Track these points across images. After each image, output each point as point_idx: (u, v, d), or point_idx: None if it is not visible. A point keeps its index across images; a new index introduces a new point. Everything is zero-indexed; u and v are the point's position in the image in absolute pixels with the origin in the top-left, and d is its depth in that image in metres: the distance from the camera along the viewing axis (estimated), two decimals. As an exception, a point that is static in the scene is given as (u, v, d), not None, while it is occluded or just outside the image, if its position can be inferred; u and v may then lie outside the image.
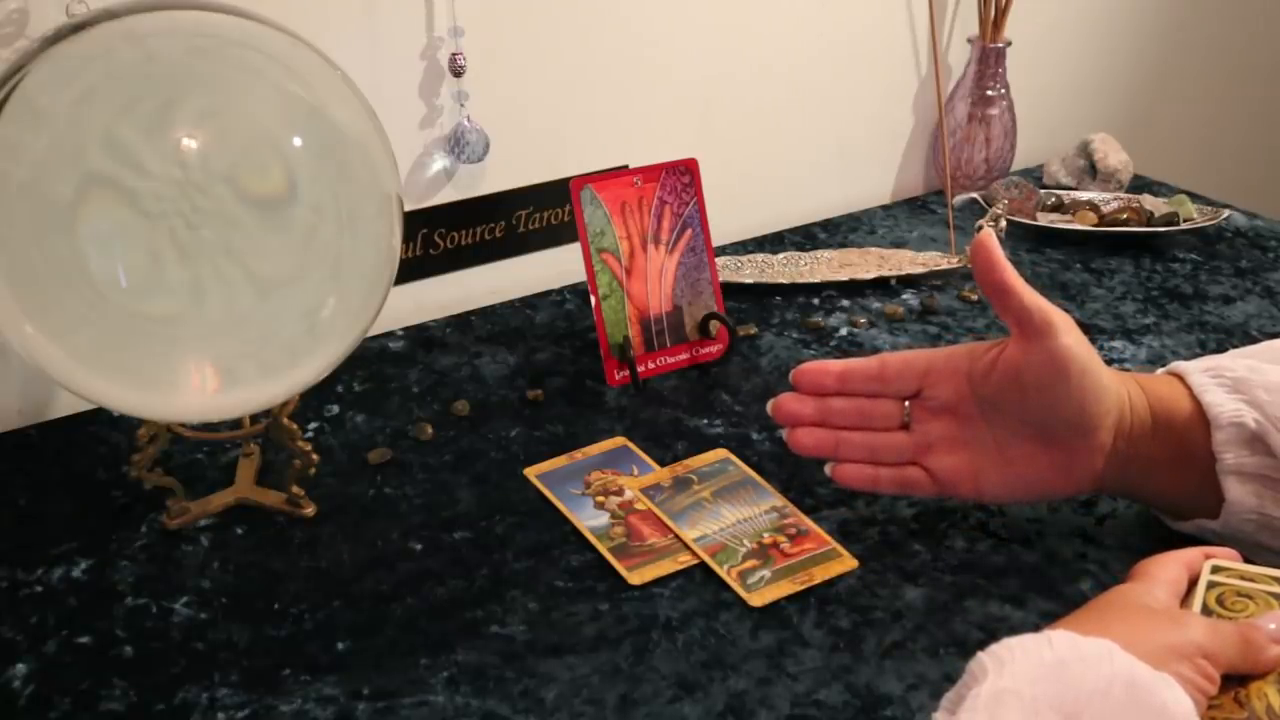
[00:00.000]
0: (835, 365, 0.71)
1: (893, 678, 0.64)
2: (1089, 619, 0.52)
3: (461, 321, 1.01)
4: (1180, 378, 0.68)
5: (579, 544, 0.74)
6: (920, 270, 1.08)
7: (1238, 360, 0.67)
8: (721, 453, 0.82)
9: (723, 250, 1.13)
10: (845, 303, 1.04)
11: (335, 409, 0.88)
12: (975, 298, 1.05)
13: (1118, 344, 0.97)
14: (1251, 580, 0.55)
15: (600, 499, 0.78)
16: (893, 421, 0.71)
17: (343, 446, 0.84)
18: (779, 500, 0.77)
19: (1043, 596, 0.69)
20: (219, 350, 0.64)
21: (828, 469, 0.72)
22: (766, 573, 0.71)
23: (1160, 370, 0.71)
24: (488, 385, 0.92)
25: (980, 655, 0.48)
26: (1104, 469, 0.68)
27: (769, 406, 0.72)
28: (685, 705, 0.62)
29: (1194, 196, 1.22)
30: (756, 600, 0.69)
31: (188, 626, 0.68)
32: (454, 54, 0.94)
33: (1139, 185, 1.29)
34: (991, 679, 0.46)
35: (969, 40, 1.22)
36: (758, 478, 0.80)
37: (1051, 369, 0.65)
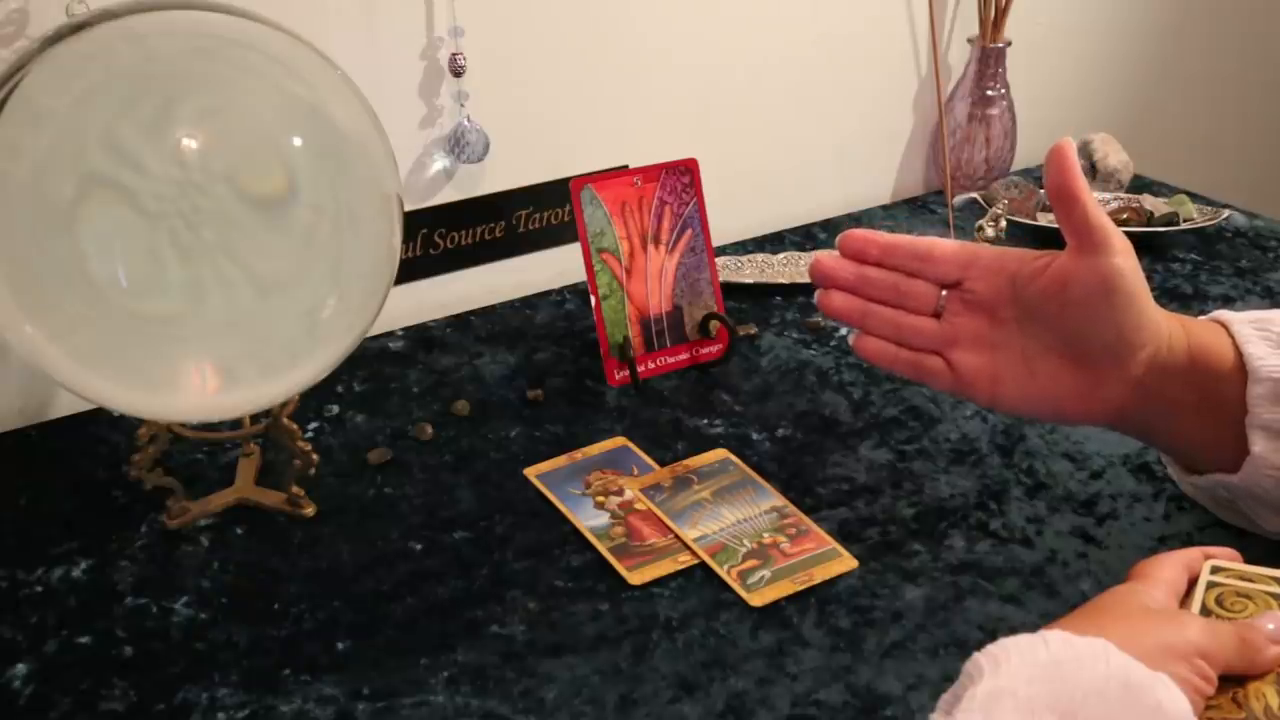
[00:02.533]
0: (884, 236, 0.68)
1: (893, 678, 0.64)
2: (1086, 619, 0.52)
3: (461, 321, 1.01)
4: (1225, 325, 0.66)
5: (579, 544, 0.74)
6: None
7: None
8: (721, 453, 0.82)
9: (723, 250, 1.13)
10: (845, 303, 1.04)
11: (335, 409, 0.88)
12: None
13: (1118, 344, 0.97)
14: (1251, 580, 0.55)
15: (600, 499, 0.78)
16: (926, 306, 0.68)
17: (343, 446, 0.84)
18: (779, 500, 0.77)
19: (1043, 596, 0.69)
20: (219, 350, 0.64)
21: (851, 339, 0.70)
22: (766, 573, 0.71)
23: (1205, 316, 0.69)
24: (488, 385, 0.92)
25: (976, 655, 0.48)
26: (1127, 402, 0.65)
27: (809, 267, 0.69)
28: (685, 705, 0.62)
29: (1194, 196, 1.22)
30: (756, 600, 0.69)
31: (188, 626, 0.68)
32: (454, 54, 0.94)
33: (1139, 185, 1.29)
34: (987, 679, 0.46)
35: (969, 40, 1.22)
36: (758, 478, 0.80)
37: (1099, 286, 0.63)
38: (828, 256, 0.69)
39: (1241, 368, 0.64)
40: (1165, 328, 0.65)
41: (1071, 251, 0.64)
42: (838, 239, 0.69)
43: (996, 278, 0.66)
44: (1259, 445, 0.63)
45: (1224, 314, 0.67)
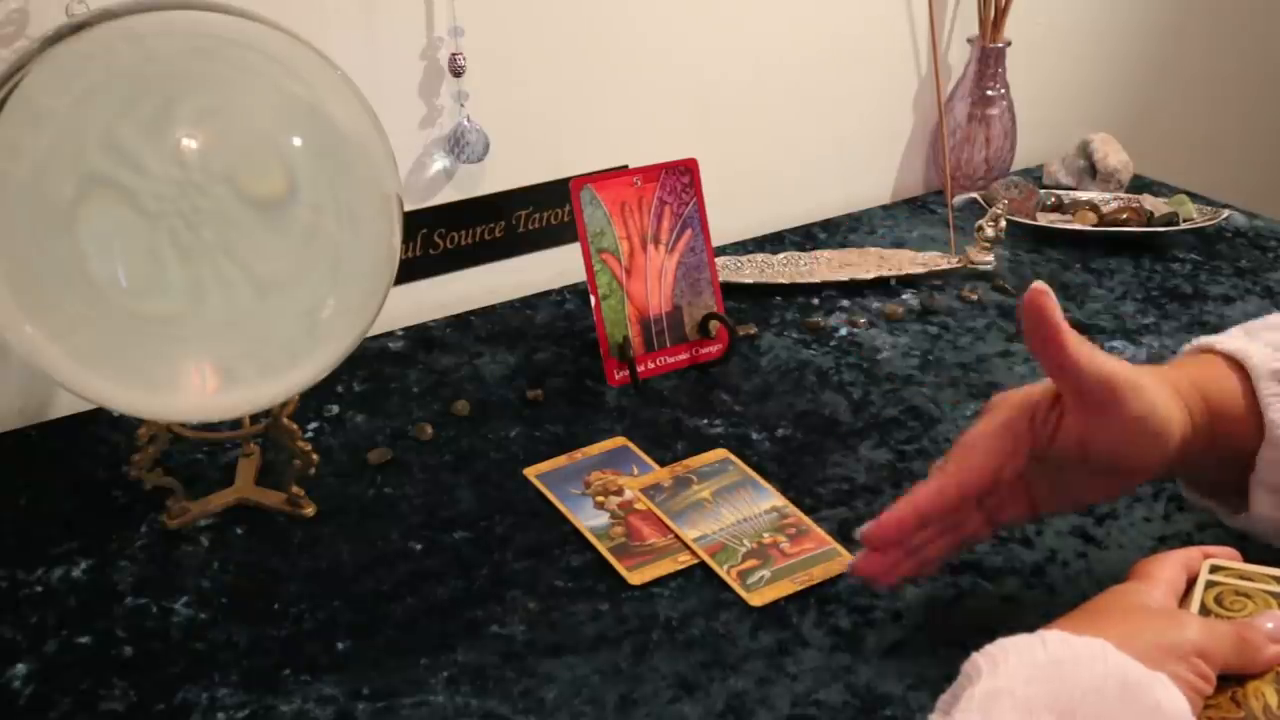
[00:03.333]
0: (907, 513, 0.63)
1: (893, 678, 0.64)
2: (1085, 619, 0.52)
3: (461, 321, 1.01)
4: (1245, 373, 0.63)
5: (579, 544, 0.74)
6: (920, 270, 1.08)
7: None
8: (721, 453, 0.82)
9: (723, 250, 1.13)
10: (845, 303, 1.04)
11: (335, 409, 0.88)
12: (975, 297, 1.05)
13: (1118, 344, 0.97)
14: (1250, 580, 0.55)
15: (600, 499, 0.78)
16: (968, 512, 0.65)
17: (343, 446, 0.84)
18: (779, 500, 0.77)
19: (1043, 596, 0.69)
20: (219, 350, 0.64)
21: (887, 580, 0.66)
22: (766, 573, 0.71)
23: (1225, 344, 0.65)
24: (488, 385, 0.92)
25: (974, 656, 0.48)
26: (1162, 474, 0.65)
27: (849, 567, 0.65)
28: (685, 705, 0.62)
29: (1194, 196, 1.22)
30: (756, 600, 0.69)
31: (188, 626, 0.68)
32: (454, 54, 0.94)
33: (1139, 185, 1.29)
34: (985, 679, 0.46)
35: (969, 40, 1.22)
36: (758, 478, 0.80)
37: (1118, 439, 0.60)
38: (868, 560, 0.64)
39: (1259, 426, 0.62)
40: (1186, 420, 0.62)
41: (1076, 409, 0.61)
42: (861, 536, 0.64)
43: (1017, 461, 0.63)
44: (1260, 504, 0.64)
45: (1248, 356, 0.64)
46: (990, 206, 1.13)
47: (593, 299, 0.90)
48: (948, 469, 0.63)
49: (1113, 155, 1.26)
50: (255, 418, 0.78)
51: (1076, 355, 0.58)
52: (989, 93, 1.22)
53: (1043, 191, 1.21)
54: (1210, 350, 0.65)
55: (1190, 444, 0.62)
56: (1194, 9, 1.47)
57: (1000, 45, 1.20)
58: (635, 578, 0.71)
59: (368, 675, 0.64)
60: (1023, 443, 0.63)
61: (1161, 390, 0.61)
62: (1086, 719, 0.45)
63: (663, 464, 0.81)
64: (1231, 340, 0.65)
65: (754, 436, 0.85)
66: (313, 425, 0.86)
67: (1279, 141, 1.70)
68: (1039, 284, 0.59)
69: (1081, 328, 0.99)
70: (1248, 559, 0.58)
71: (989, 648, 0.48)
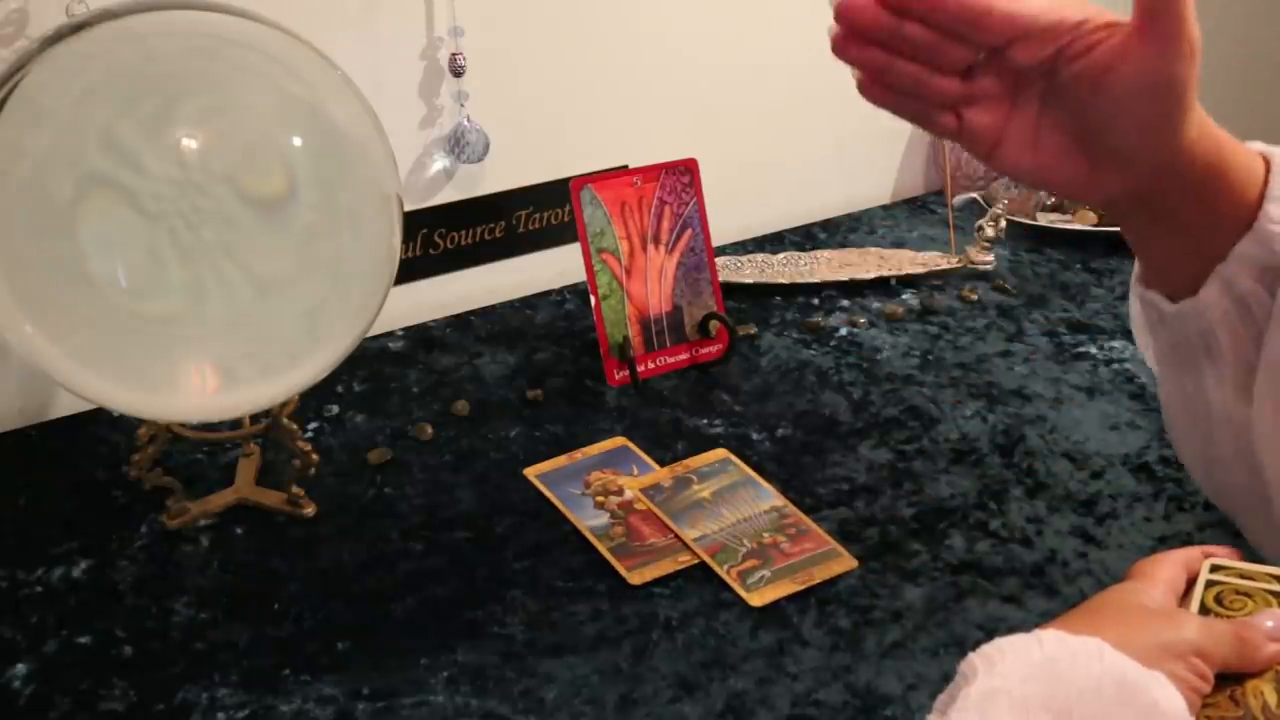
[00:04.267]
0: None
1: (893, 678, 0.64)
2: (1082, 618, 0.52)
3: (461, 321, 1.01)
4: (1266, 161, 0.59)
5: (579, 544, 0.74)
6: (920, 270, 1.08)
7: None
8: (721, 453, 0.82)
9: (723, 250, 1.13)
10: (845, 303, 1.04)
11: (335, 409, 0.88)
12: (975, 297, 1.05)
13: (1117, 344, 0.97)
14: (1251, 579, 0.55)
15: (600, 499, 0.78)
16: (956, 67, 0.58)
17: (343, 446, 0.84)
18: (779, 500, 0.77)
19: (1043, 596, 0.69)
20: (219, 350, 0.64)
21: (856, 79, 0.60)
22: (766, 573, 0.71)
23: (1263, 146, 0.60)
24: (488, 385, 0.92)
25: (971, 655, 0.48)
26: (1117, 198, 0.60)
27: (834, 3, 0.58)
28: (685, 705, 0.62)
29: (1194, 196, 1.22)
30: (756, 600, 0.69)
31: (188, 626, 0.68)
32: (454, 54, 0.95)
33: (1139, 185, 1.29)
34: (982, 678, 0.46)
35: (969, 40, 1.22)
36: (758, 478, 0.80)
37: (1137, 89, 0.55)
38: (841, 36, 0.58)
39: (1248, 212, 0.58)
40: (1189, 146, 0.56)
41: (1133, 32, 0.54)
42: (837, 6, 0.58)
43: (1043, 48, 0.56)
44: (1209, 293, 0.59)
45: (1274, 155, 0.59)
46: (990, 206, 1.13)
47: (593, 299, 0.90)
48: None
49: (1113, 155, 1.26)
50: (255, 418, 0.78)
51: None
52: (989, 93, 1.22)
53: (1043, 191, 1.21)
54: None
55: (1172, 184, 0.58)
56: (1193, 9, 1.47)
57: (1000, 45, 1.20)
58: (635, 578, 0.71)
59: (368, 675, 0.64)
60: (1064, 29, 0.55)
61: (1195, 105, 0.55)
62: (1083, 718, 0.45)
63: (663, 464, 0.81)
64: (1275, 148, 0.60)
65: (754, 436, 0.85)
66: (313, 425, 0.86)
67: (1279, 141, 1.70)
68: None
69: (1081, 327, 0.99)
70: (1248, 558, 0.58)
71: (985, 647, 0.48)
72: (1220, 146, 0.58)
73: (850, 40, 0.59)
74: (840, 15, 0.58)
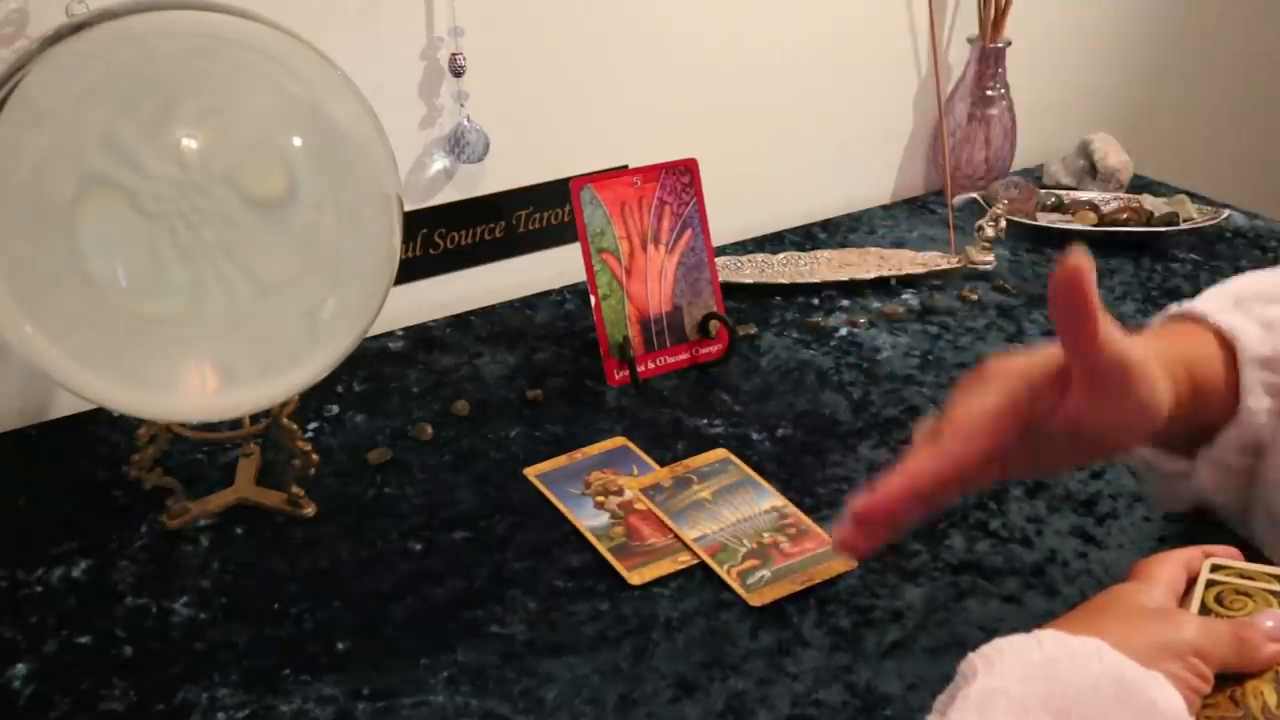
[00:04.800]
0: (904, 487, 0.57)
1: (893, 678, 0.64)
2: (1081, 618, 0.52)
3: (461, 321, 1.01)
4: (1233, 352, 0.61)
5: (579, 544, 0.74)
6: (920, 270, 1.08)
7: None
8: (721, 453, 0.82)
9: (723, 250, 1.13)
10: (845, 303, 1.04)
11: (335, 409, 0.88)
12: (975, 297, 1.05)
13: (1118, 344, 0.97)
14: (1251, 579, 0.55)
15: (600, 499, 0.78)
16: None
17: (343, 446, 0.84)
18: (779, 500, 0.77)
19: (1043, 596, 0.69)
20: (219, 350, 0.64)
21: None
22: (766, 573, 0.71)
23: (1217, 318, 0.63)
24: (488, 385, 0.92)
25: (970, 655, 0.48)
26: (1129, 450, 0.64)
27: (834, 539, 0.59)
28: (685, 705, 0.62)
29: (1194, 196, 1.22)
30: (756, 600, 0.69)
31: (188, 626, 0.68)
32: (454, 54, 0.95)
33: (1139, 185, 1.29)
34: (981, 679, 0.46)
35: (969, 40, 1.22)
36: (758, 478, 0.80)
37: (1116, 420, 0.57)
38: (853, 535, 0.58)
39: (1233, 407, 0.61)
40: (1171, 404, 0.59)
41: (1083, 389, 0.57)
42: (855, 514, 0.57)
43: (1007, 435, 0.59)
44: (1202, 479, 0.63)
45: (1241, 339, 0.62)
46: (990, 206, 1.13)
47: (593, 299, 0.90)
48: (946, 446, 0.58)
49: (1113, 155, 1.26)
50: (255, 418, 0.78)
51: (1106, 338, 0.54)
52: (989, 93, 1.22)
53: (1043, 191, 1.21)
54: (1197, 320, 0.63)
55: (1173, 422, 0.60)
56: (1194, 9, 1.47)
57: (1000, 45, 1.20)
58: (635, 578, 0.71)
59: (368, 675, 0.64)
60: (1020, 417, 0.58)
61: (1159, 375, 0.58)
62: (1082, 718, 0.45)
63: (663, 464, 0.81)
64: (1223, 314, 0.63)
65: (754, 436, 0.85)
66: (313, 425, 0.86)
67: (1279, 142, 1.70)
68: (1080, 252, 0.53)
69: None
70: (1249, 558, 0.58)
71: (985, 647, 0.48)
72: (1193, 377, 0.61)
73: (865, 551, 0.59)
74: (840, 549, 0.59)
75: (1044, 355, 0.59)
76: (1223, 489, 0.64)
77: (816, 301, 1.05)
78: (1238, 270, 1.10)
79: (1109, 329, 0.54)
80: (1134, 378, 0.56)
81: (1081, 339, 0.54)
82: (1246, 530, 0.65)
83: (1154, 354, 0.58)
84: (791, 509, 0.77)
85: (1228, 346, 0.62)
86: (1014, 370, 0.59)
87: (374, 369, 0.93)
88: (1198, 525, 0.75)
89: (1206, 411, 0.62)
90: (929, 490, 0.57)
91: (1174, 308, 0.66)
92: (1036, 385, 0.58)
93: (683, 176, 0.93)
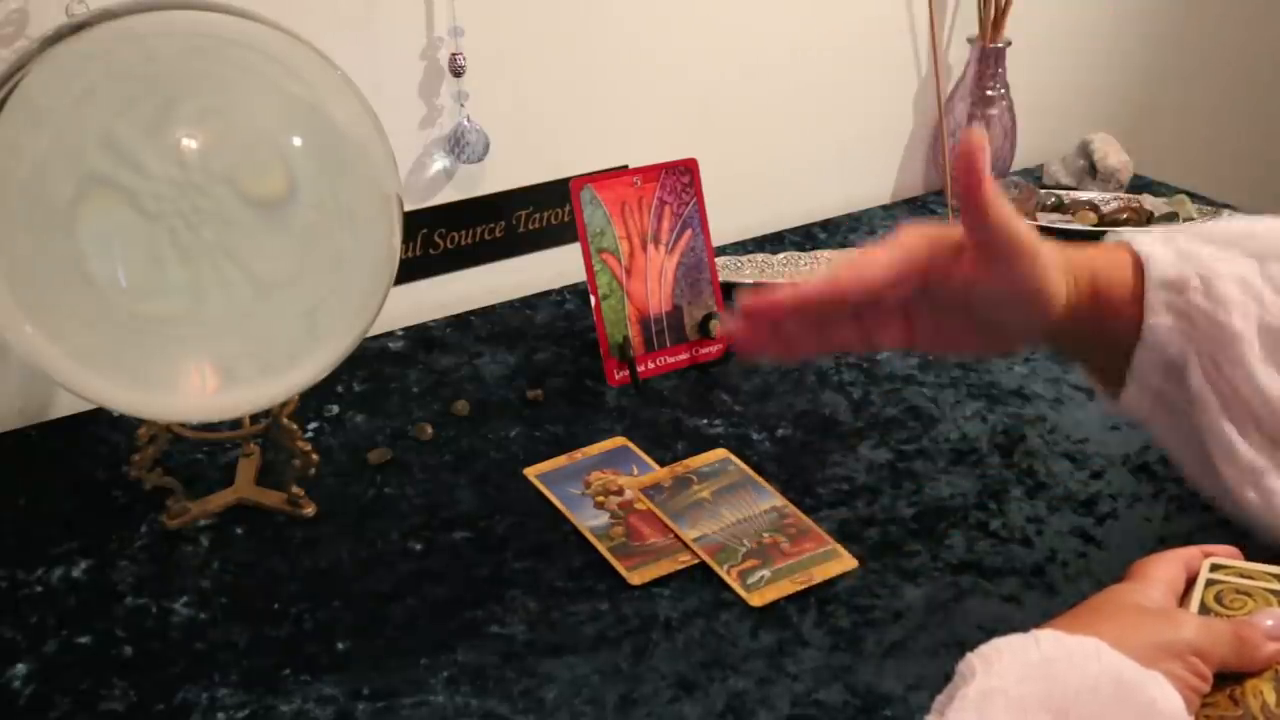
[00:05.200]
0: (786, 297, 0.63)
1: (893, 678, 0.64)
2: (1080, 618, 0.52)
3: (461, 321, 1.01)
4: (1137, 264, 0.65)
5: (579, 544, 0.74)
6: (920, 270, 1.07)
7: (1220, 268, 0.64)
8: (721, 453, 0.82)
9: (723, 250, 1.13)
10: (845, 303, 1.04)
11: (335, 409, 0.88)
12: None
13: (1118, 344, 0.97)
14: (1251, 578, 0.55)
15: (600, 499, 0.78)
16: (843, 315, 0.66)
17: (343, 446, 0.84)
18: (779, 500, 0.77)
19: (1043, 596, 0.69)
20: (219, 350, 0.64)
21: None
22: (766, 572, 0.71)
23: (1137, 242, 0.66)
24: (488, 385, 0.92)
25: (969, 655, 0.48)
26: (1034, 345, 0.69)
27: (714, 329, 0.67)
28: (685, 705, 0.62)
29: (1194, 196, 1.22)
30: (756, 600, 0.69)
31: (188, 626, 0.68)
32: (454, 54, 0.95)
33: (1139, 185, 1.29)
34: (979, 679, 0.46)
35: (969, 40, 1.22)
36: (758, 478, 0.80)
37: (1003, 296, 0.63)
38: (740, 327, 0.65)
39: (1136, 324, 0.64)
40: (1072, 290, 0.64)
41: (977, 257, 0.63)
42: (739, 307, 0.64)
43: (906, 289, 0.65)
44: (1130, 398, 0.65)
45: (1149, 258, 0.65)
46: (990, 206, 1.13)
47: (593, 299, 0.90)
48: (838, 271, 0.64)
49: (1113, 155, 1.26)
50: (255, 418, 0.78)
51: (991, 202, 0.61)
52: (989, 93, 1.22)
53: (1043, 191, 1.21)
54: (1124, 246, 0.67)
55: (1068, 323, 0.64)
56: (1194, 9, 1.47)
57: (1000, 45, 1.20)
58: (635, 578, 0.71)
59: (368, 675, 0.64)
60: (916, 270, 0.64)
61: (1055, 264, 0.63)
62: (1081, 718, 0.45)
63: (663, 464, 0.81)
64: (1145, 240, 0.66)
65: (754, 436, 0.85)
66: (313, 425, 0.86)
67: (1279, 142, 1.70)
68: (977, 132, 0.61)
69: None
70: (1249, 558, 0.58)
71: (983, 647, 0.48)
72: (1094, 280, 0.64)
73: (745, 346, 0.66)
74: (727, 341, 0.67)
75: (950, 228, 0.65)
76: (1156, 416, 0.66)
77: (816, 301, 1.05)
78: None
79: (1003, 209, 0.61)
80: (1019, 251, 0.61)
81: (972, 204, 0.61)
82: (1193, 480, 0.68)
83: (1057, 253, 0.63)
84: (791, 509, 0.77)
85: (1140, 269, 0.65)
86: (920, 232, 0.65)
87: (374, 369, 0.93)
88: (1198, 525, 0.75)
89: (1113, 324, 0.64)
90: (813, 302, 0.63)
91: (1113, 238, 0.69)
92: (937, 247, 0.64)
93: (683, 176, 0.93)
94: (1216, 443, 0.64)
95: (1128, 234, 0.68)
